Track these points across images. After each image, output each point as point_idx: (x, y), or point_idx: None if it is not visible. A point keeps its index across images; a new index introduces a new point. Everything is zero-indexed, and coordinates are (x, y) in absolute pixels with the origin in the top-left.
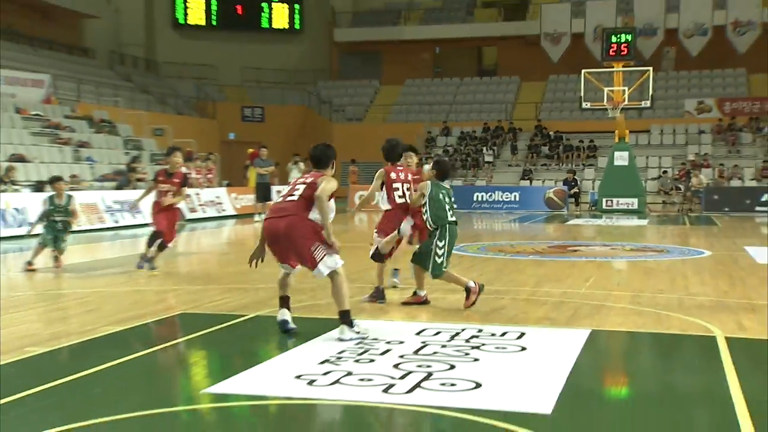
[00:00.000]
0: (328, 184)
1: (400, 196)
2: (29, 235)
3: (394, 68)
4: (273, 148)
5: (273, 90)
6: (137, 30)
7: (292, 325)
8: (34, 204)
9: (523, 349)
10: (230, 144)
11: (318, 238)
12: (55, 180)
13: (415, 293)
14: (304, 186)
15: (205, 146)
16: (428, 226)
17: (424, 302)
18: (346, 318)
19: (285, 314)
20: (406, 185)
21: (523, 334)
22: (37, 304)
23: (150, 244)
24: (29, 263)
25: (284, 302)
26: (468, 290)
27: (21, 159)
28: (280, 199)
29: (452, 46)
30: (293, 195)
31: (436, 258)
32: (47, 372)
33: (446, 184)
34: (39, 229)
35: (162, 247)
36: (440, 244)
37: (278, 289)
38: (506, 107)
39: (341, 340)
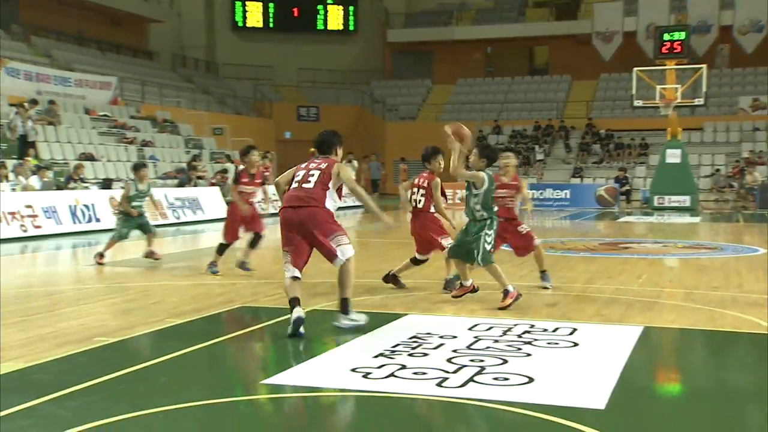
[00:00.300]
0: (347, 173)
1: (413, 200)
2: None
3: (446, 68)
4: None
5: (328, 90)
6: (198, 33)
7: (302, 330)
8: (102, 200)
9: (576, 344)
10: (286, 143)
11: (335, 228)
12: (139, 166)
13: (461, 284)
14: (319, 172)
15: (261, 145)
16: (474, 216)
17: (474, 290)
18: (345, 306)
19: (299, 312)
20: (420, 191)
21: (575, 329)
22: (105, 297)
23: (253, 245)
24: (100, 255)
25: (296, 302)
26: (506, 293)
27: (90, 158)
28: (296, 185)
29: (504, 46)
30: (309, 182)
31: (486, 245)
32: (115, 361)
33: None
34: (114, 222)
35: (255, 244)
36: (489, 233)
37: (287, 293)
38: (557, 106)
39: (338, 327)
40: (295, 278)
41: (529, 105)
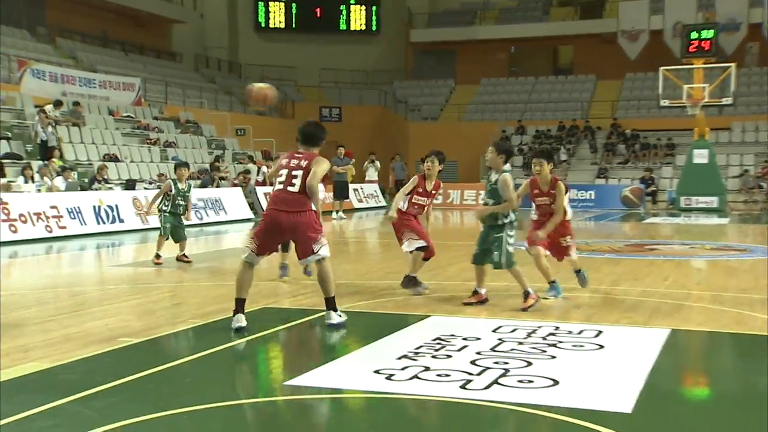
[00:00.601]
0: (319, 168)
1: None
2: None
3: (470, 68)
4: (350, 147)
5: (350, 90)
6: (221, 34)
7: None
8: (125, 201)
9: (601, 347)
10: None
11: (316, 236)
12: (179, 165)
13: (475, 292)
14: (301, 172)
15: (284, 146)
16: (495, 221)
17: (485, 300)
18: (333, 304)
19: (242, 320)
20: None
21: (600, 332)
22: (129, 297)
23: (284, 248)
24: (157, 256)
25: (241, 305)
26: (527, 294)
27: (113, 158)
28: (281, 186)
29: (528, 45)
30: (293, 185)
31: (508, 247)
32: (139, 362)
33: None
34: (157, 219)
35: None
36: (511, 234)
37: (237, 289)
38: (582, 106)
39: (331, 325)
40: (250, 264)
41: (554, 105)
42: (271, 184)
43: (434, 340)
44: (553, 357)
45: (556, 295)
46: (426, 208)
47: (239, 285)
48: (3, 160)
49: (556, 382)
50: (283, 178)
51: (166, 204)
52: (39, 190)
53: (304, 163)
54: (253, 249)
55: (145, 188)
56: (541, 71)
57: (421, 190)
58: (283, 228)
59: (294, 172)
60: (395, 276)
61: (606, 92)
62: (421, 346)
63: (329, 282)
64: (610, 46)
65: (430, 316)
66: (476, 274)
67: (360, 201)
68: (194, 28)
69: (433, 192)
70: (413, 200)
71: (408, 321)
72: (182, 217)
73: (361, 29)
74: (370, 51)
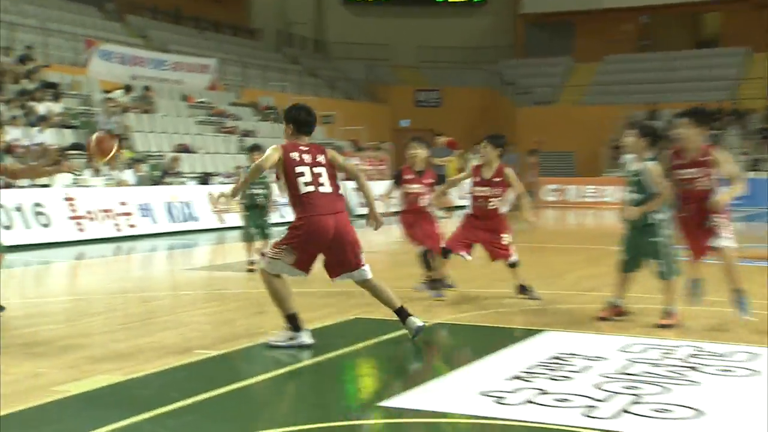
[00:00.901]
0: (341, 159)
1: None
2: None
3: (591, 42)
4: (450, 136)
5: (451, 70)
6: (306, 8)
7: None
8: (200, 197)
9: (756, 372)
10: (403, 132)
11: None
12: (253, 149)
13: (613, 304)
14: (324, 170)
15: (375, 134)
16: (645, 220)
17: (624, 314)
18: (406, 312)
19: (308, 336)
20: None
21: (755, 355)
22: (205, 304)
23: (427, 265)
24: (251, 263)
25: (297, 321)
26: (669, 313)
27: (186, 149)
28: (311, 188)
29: (662, 13)
30: (323, 185)
31: (672, 252)
32: (217, 377)
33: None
34: (232, 218)
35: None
36: (669, 235)
37: (280, 306)
38: (730, 84)
39: (418, 329)
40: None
41: (694, 84)
42: (240, 194)
43: (551, 358)
44: (696, 383)
45: (744, 312)
46: (499, 200)
47: (281, 299)
48: (69, 152)
49: (700, 413)
50: (308, 179)
51: (244, 199)
52: (107, 185)
53: (321, 158)
54: (291, 262)
55: (221, 182)
56: (678, 44)
57: (478, 179)
58: (332, 235)
59: (315, 170)
60: (503, 284)
61: (760, 68)
62: (535, 366)
63: (387, 294)
64: (767, 11)
65: (544, 330)
66: (618, 283)
67: (462, 198)
68: (276, 2)
69: (496, 180)
70: (473, 193)
71: (519, 336)
72: (265, 214)
73: (464, 0)
74: (475, 25)
